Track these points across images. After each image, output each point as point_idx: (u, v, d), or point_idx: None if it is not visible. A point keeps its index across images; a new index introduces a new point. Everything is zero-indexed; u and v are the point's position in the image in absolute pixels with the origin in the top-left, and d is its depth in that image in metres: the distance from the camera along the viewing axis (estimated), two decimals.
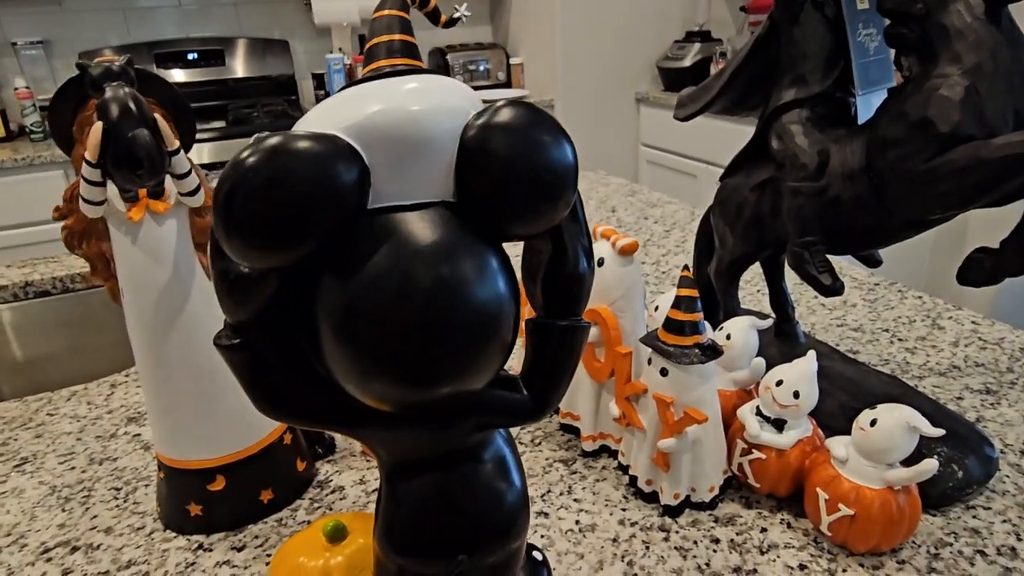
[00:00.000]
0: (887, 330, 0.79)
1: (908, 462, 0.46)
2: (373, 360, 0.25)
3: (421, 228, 0.25)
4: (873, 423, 0.46)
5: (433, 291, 0.24)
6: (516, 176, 0.26)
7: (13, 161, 2.02)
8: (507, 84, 2.87)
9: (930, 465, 0.44)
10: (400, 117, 0.25)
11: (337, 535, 0.41)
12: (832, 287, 0.52)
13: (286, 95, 2.66)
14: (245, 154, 0.23)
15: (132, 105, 0.38)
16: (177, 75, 2.58)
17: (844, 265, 0.97)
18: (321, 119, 0.26)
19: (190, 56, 2.60)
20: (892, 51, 0.53)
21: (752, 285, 0.93)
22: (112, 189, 0.42)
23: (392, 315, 0.24)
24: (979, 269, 0.46)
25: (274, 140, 0.23)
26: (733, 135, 2.28)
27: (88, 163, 0.38)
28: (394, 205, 0.26)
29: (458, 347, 0.25)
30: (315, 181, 0.23)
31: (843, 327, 0.80)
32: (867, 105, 0.55)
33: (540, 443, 0.63)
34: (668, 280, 0.96)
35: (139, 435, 0.67)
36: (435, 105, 0.26)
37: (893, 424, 0.45)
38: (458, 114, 0.26)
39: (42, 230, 2.08)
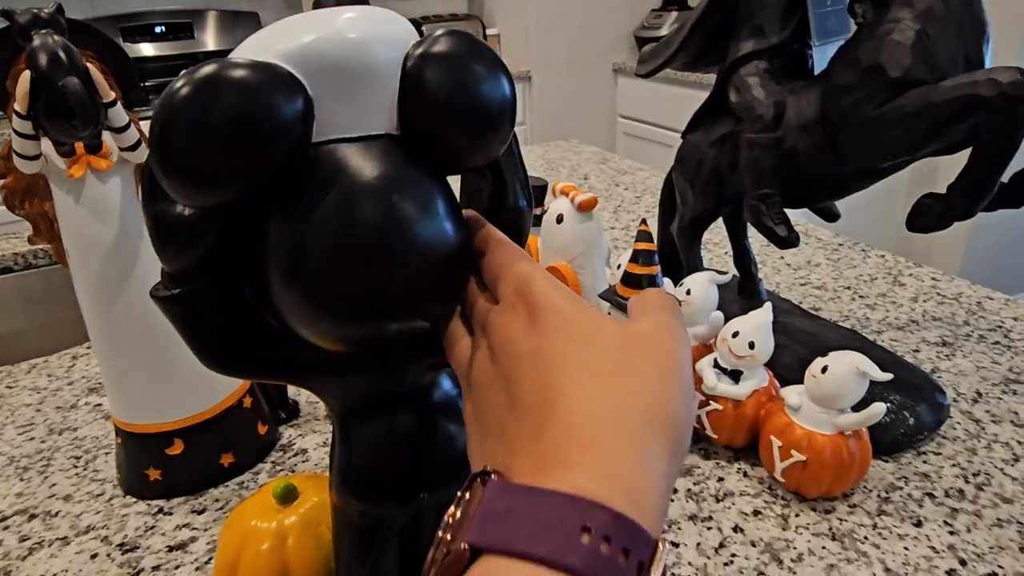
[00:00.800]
0: (849, 287, 0.80)
1: (859, 409, 0.47)
2: (324, 298, 0.25)
3: (367, 161, 0.25)
4: (824, 370, 0.47)
5: (381, 225, 0.24)
6: (457, 106, 0.25)
7: None
8: None
9: (878, 408, 0.45)
10: (340, 43, 0.24)
11: (288, 496, 0.40)
12: (788, 239, 0.52)
13: None
14: (178, 84, 0.22)
15: (62, 53, 0.37)
16: (145, 49, 2.51)
17: (810, 227, 0.97)
18: (257, 48, 0.25)
19: (158, 29, 2.53)
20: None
21: (720, 248, 0.94)
22: (49, 146, 0.41)
23: (341, 251, 0.24)
24: (928, 214, 0.46)
25: (209, 69, 0.22)
26: None
27: (18, 114, 0.37)
28: (338, 138, 0.25)
29: (409, 280, 0.25)
30: (256, 112, 0.22)
31: (806, 286, 0.81)
32: (824, 56, 0.55)
33: None
34: None
35: (100, 405, 0.66)
36: (374, 34, 0.25)
37: (843, 370, 0.46)
38: (398, 44, 0.25)
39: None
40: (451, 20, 2.83)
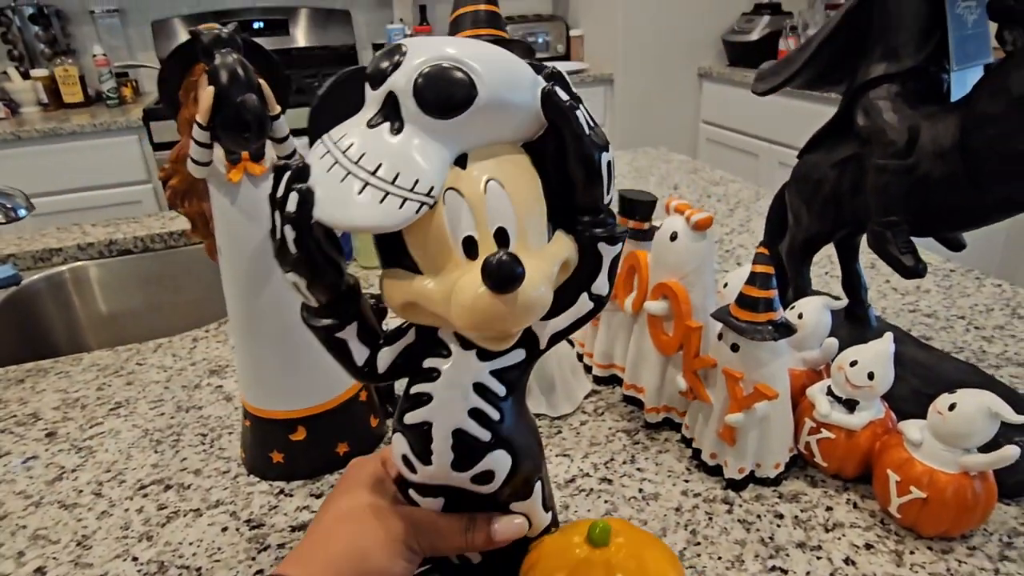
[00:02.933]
0: (963, 317, 0.76)
1: (984, 449, 0.45)
2: None
3: None
4: (952, 407, 0.45)
5: None
6: None
7: (92, 126, 2.12)
8: (566, 57, 2.84)
9: (1011, 452, 0.43)
10: None
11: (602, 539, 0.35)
12: (915, 268, 0.51)
13: (346, 66, 2.69)
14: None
15: (240, 71, 0.40)
16: None
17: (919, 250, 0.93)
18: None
19: (256, 25, 2.65)
20: (992, 25, 0.51)
21: (820, 267, 0.91)
22: (217, 152, 0.45)
23: None
24: None
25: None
26: (798, 113, 2.21)
27: (199, 125, 0.41)
28: None
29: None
30: None
31: (915, 312, 0.78)
32: (961, 82, 0.53)
33: (603, 413, 0.64)
34: (732, 259, 0.95)
35: (221, 387, 0.71)
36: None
37: (974, 409, 0.44)
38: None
39: (116, 192, 2.19)
40: (534, 21, 2.84)
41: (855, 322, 0.67)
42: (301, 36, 2.72)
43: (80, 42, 2.53)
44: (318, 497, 0.55)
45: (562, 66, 0.33)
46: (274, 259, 0.31)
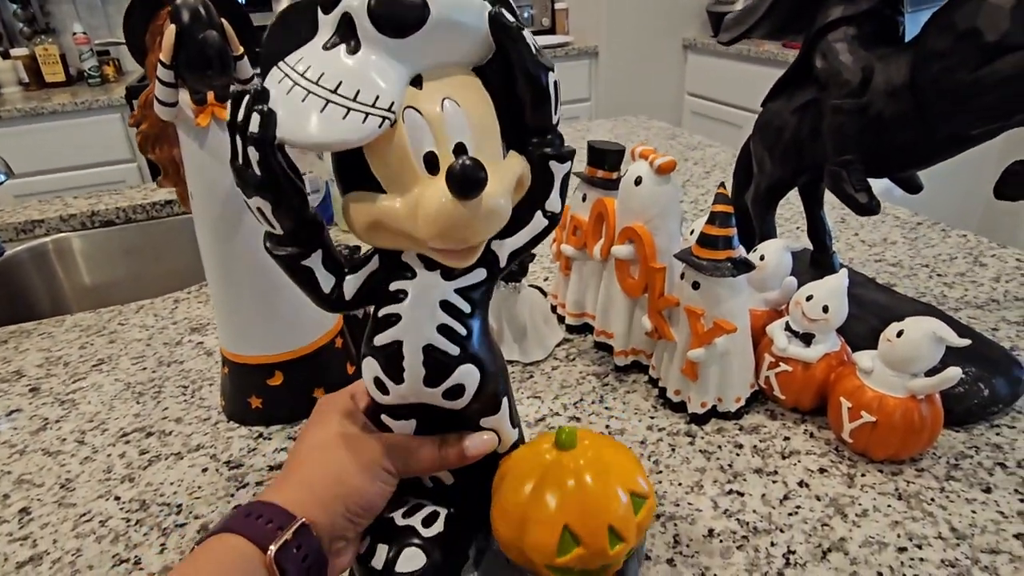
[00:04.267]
0: (927, 265, 0.78)
1: (930, 374, 0.47)
2: None
3: None
4: (900, 334, 0.47)
5: None
6: None
7: (73, 105, 2.10)
8: (551, 30, 2.83)
9: (953, 372, 0.45)
10: None
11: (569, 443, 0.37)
12: (868, 205, 0.52)
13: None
14: None
15: (202, 10, 0.41)
16: None
17: (887, 205, 0.95)
18: None
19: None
20: None
21: (791, 223, 0.93)
22: (183, 98, 0.46)
23: None
24: (1017, 184, 0.46)
25: None
26: None
27: (163, 64, 0.42)
28: None
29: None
30: None
31: (881, 262, 0.80)
32: (916, 23, 0.54)
33: (574, 359, 0.66)
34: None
35: (202, 343, 0.73)
36: None
37: (920, 334, 0.46)
38: None
39: (100, 172, 2.18)
40: None
41: (820, 269, 0.68)
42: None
43: (60, 20, 2.50)
44: (296, 440, 0.56)
45: (547, 39, 0.34)
46: (244, 203, 0.32)
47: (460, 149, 0.31)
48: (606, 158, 0.64)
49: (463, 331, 0.35)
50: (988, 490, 0.47)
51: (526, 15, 2.80)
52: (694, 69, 2.65)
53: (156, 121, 0.48)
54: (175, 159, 0.50)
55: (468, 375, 0.35)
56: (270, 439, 0.57)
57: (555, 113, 0.34)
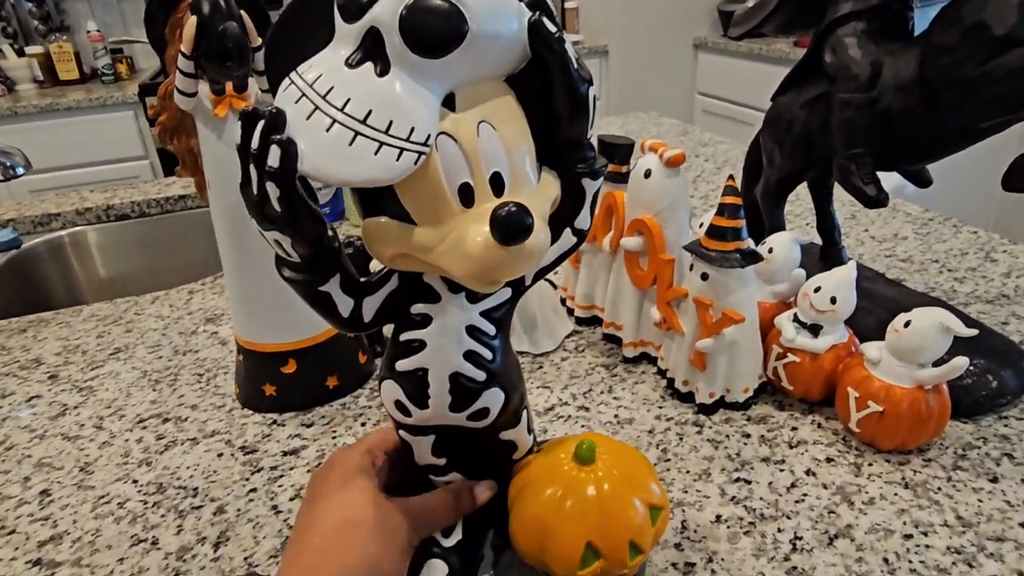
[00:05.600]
0: (937, 261, 0.79)
1: (937, 365, 0.47)
2: None
3: None
4: (907, 324, 0.48)
5: None
6: None
7: (88, 101, 2.13)
8: (561, 28, 2.83)
9: (960, 362, 0.45)
10: None
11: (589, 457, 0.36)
12: (876, 198, 0.53)
13: None
14: None
15: (222, 2, 0.42)
16: None
17: (898, 202, 0.95)
18: None
19: None
20: None
21: (801, 219, 0.93)
22: (203, 89, 0.47)
23: None
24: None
25: None
26: None
27: (183, 55, 0.43)
28: None
29: None
30: None
31: (891, 258, 0.80)
32: (925, 18, 0.54)
33: (583, 350, 0.66)
34: None
35: (216, 332, 0.74)
36: None
37: (927, 324, 0.47)
38: None
39: (113, 168, 2.20)
40: None
41: (829, 263, 0.68)
42: None
43: (74, 18, 2.53)
44: (309, 426, 0.57)
45: None
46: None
47: (496, 179, 0.29)
48: (616, 151, 0.65)
49: (489, 355, 0.34)
50: (995, 480, 0.47)
51: None
52: (705, 68, 2.65)
53: (175, 112, 0.49)
54: (193, 150, 0.51)
55: (493, 398, 0.34)
56: (284, 426, 0.58)
57: (590, 127, 0.32)
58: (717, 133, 1.42)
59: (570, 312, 0.72)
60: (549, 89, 0.30)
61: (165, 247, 1.20)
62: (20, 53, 2.37)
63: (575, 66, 0.30)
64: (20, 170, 0.85)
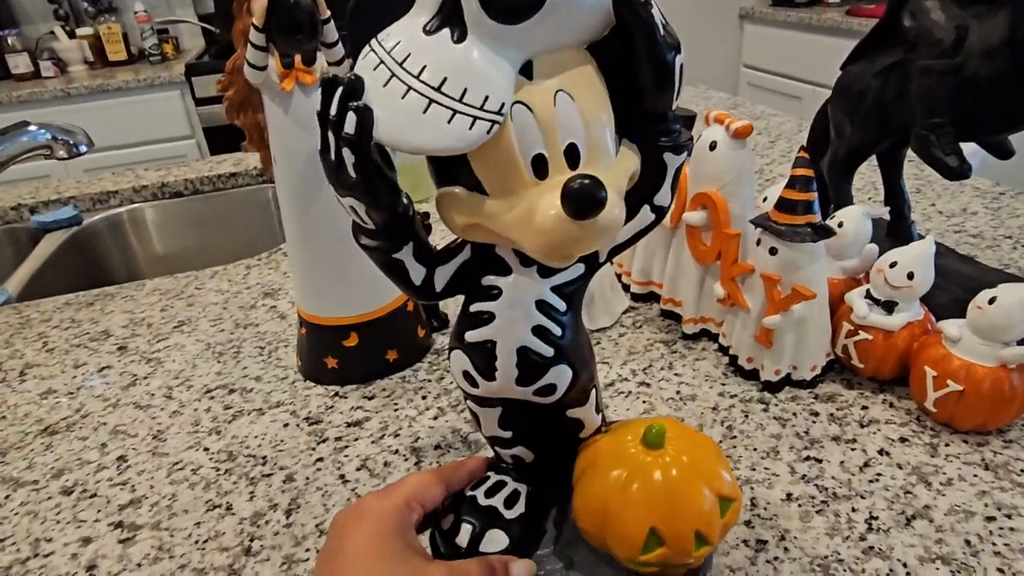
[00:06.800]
0: (1010, 237, 0.75)
1: None
2: None
3: None
4: (992, 301, 0.46)
5: None
6: None
7: (137, 82, 2.17)
8: None
9: None
10: None
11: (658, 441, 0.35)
12: (959, 169, 0.50)
13: None
14: None
15: None
16: None
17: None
18: None
19: None
20: None
21: (863, 193, 0.90)
22: (271, 63, 0.47)
23: None
24: None
25: None
26: (843, 54, 2.12)
27: (255, 28, 0.43)
28: None
29: None
30: None
31: (961, 233, 0.77)
32: None
33: (641, 327, 0.65)
34: None
35: (275, 307, 0.75)
36: None
37: (1015, 300, 0.45)
38: None
39: (161, 148, 2.25)
40: None
41: (897, 238, 0.66)
42: None
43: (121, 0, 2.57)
44: (370, 399, 0.58)
45: None
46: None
47: (572, 151, 0.28)
48: None
49: (558, 331, 0.33)
50: None
51: None
52: (751, 39, 2.58)
53: (243, 87, 0.49)
54: (260, 124, 0.52)
55: (561, 375, 0.34)
56: (346, 398, 0.59)
57: (676, 98, 0.31)
58: (763, 106, 1.37)
59: (625, 288, 0.71)
60: (633, 57, 0.29)
61: (217, 224, 1.23)
62: (71, 35, 2.43)
63: (662, 33, 0.28)
64: (83, 148, 0.87)
